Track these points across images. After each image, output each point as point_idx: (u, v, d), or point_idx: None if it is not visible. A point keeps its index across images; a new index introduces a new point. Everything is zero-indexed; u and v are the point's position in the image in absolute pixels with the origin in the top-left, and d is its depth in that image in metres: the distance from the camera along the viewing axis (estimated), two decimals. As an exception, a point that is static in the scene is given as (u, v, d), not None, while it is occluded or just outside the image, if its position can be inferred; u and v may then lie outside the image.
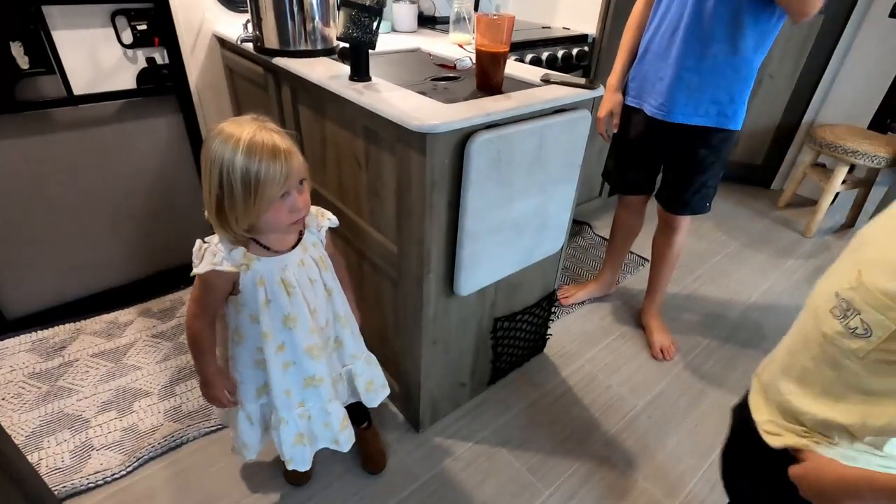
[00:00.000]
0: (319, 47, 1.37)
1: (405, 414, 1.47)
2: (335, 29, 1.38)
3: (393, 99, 1.03)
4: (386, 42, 1.64)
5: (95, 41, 1.49)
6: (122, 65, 1.57)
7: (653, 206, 1.71)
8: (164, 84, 1.65)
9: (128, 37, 1.54)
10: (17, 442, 1.32)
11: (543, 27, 2.16)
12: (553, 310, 1.65)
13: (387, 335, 1.37)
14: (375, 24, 1.02)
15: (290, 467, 1.08)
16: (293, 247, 0.94)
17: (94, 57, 1.51)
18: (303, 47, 1.35)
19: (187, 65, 1.67)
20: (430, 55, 1.53)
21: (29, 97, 1.45)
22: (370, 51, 1.08)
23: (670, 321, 1.90)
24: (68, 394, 1.48)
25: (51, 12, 1.39)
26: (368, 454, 1.33)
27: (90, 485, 1.24)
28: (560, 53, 1.94)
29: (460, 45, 1.60)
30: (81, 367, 1.57)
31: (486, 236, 1.13)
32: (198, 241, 0.89)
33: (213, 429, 1.39)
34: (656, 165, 1.64)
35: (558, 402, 1.56)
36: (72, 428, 1.38)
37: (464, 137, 0.98)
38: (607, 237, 1.98)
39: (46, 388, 1.49)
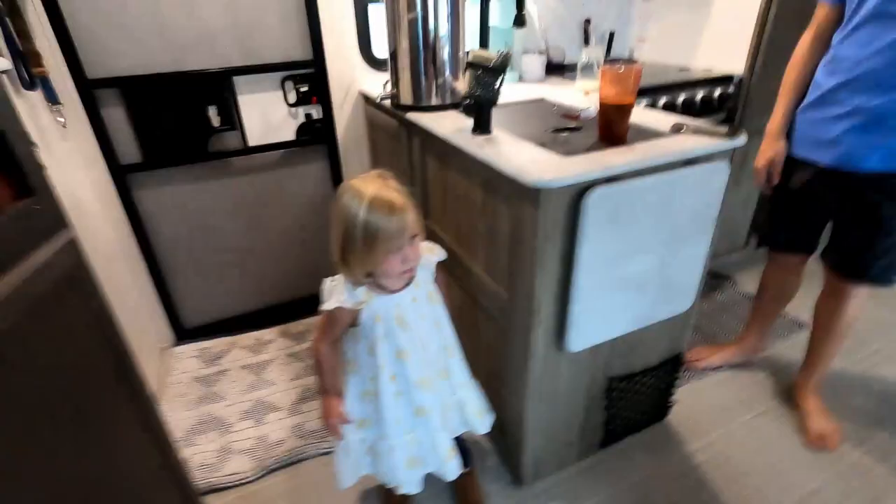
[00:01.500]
0: (448, 101, 1.46)
1: (508, 465, 1.43)
2: (462, 83, 1.46)
3: (510, 153, 1.05)
4: (512, 92, 1.69)
5: (268, 102, 1.79)
6: (286, 120, 1.84)
7: (814, 264, 1.47)
8: (317, 136, 1.90)
9: (292, 97, 1.81)
10: (177, 436, 1.57)
11: (681, 69, 2.05)
12: (681, 373, 1.49)
13: (493, 382, 1.36)
14: (498, 83, 1.06)
15: (400, 491, 1.12)
16: (406, 285, 1.01)
17: (266, 115, 1.80)
18: (433, 102, 1.46)
19: (336, 119, 1.90)
20: (554, 105, 1.54)
21: (217, 149, 1.78)
22: (493, 106, 1.13)
23: (834, 403, 1.58)
24: (219, 399, 1.72)
25: (238, 81, 1.71)
26: (467, 502, 1.31)
27: (226, 484, 1.41)
28: (699, 96, 1.82)
29: (587, 93, 1.59)
30: (231, 377, 1.82)
31: (600, 293, 1.07)
32: (326, 281, 0.99)
33: (329, 450, 1.50)
34: (823, 222, 1.41)
35: (680, 482, 1.38)
36: (218, 430, 1.59)
37: (579, 192, 0.96)
38: (753, 294, 1.75)
39: (204, 391, 1.75)
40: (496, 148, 1.09)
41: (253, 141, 1.82)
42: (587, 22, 2.18)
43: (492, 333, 1.31)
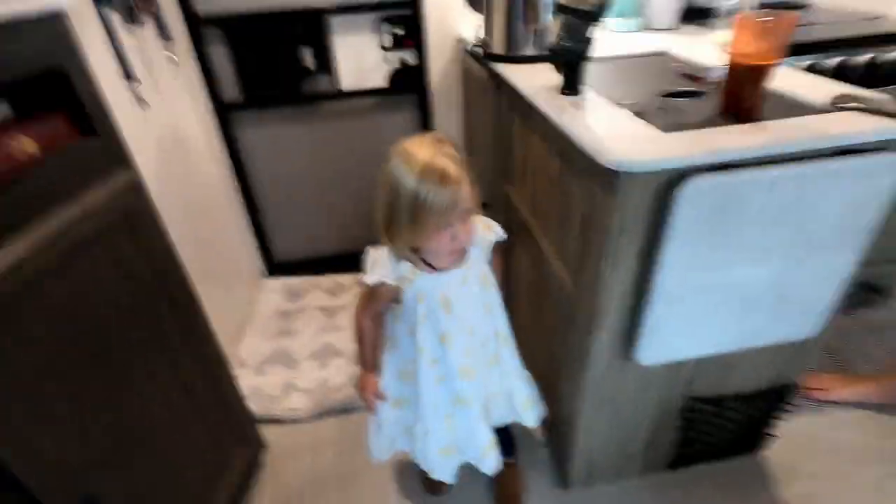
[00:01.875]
0: (547, 53, 1.26)
1: (556, 464, 1.32)
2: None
3: (595, 121, 0.86)
4: (630, 42, 1.42)
5: (362, 45, 1.72)
6: (379, 65, 1.77)
7: None
8: (409, 83, 1.80)
9: (387, 40, 1.72)
10: (251, 364, 1.69)
11: (870, 18, 1.56)
12: (789, 404, 1.22)
13: (550, 372, 1.23)
14: (590, 32, 0.86)
15: (433, 476, 1.08)
16: (457, 264, 0.92)
17: (360, 58, 1.74)
18: (528, 52, 1.27)
19: (431, 67, 1.78)
20: (677, 62, 1.26)
21: (311, 91, 1.77)
22: (584, 61, 0.93)
23: None
24: (293, 335, 1.81)
25: (334, 21, 1.65)
26: (504, 496, 1.24)
27: (282, 417, 1.50)
28: (890, 58, 1.37)
29: (725, 47, 1.27)
30: (308, 316, 1.90)
31: (686, 302, 0.87)
32: (370, 250, 0.93)
33: (380, 405, 1.51)
34: None
35: (762, 530, 1.17)
36: (287, 365, 1.68)
37: (674, 179, 0.75)
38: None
39: (283, 325, 1.86)
40: (580, 113, 0.90)
41: (345, 85, 1.78)
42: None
43: (556, 320, 1.17)
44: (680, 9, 1.58)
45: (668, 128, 0.82)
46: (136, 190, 0.88)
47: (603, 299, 0.89)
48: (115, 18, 1.23)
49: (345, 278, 2.09)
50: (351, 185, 2.01)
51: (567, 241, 1.02)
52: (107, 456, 0.77)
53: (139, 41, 1.36)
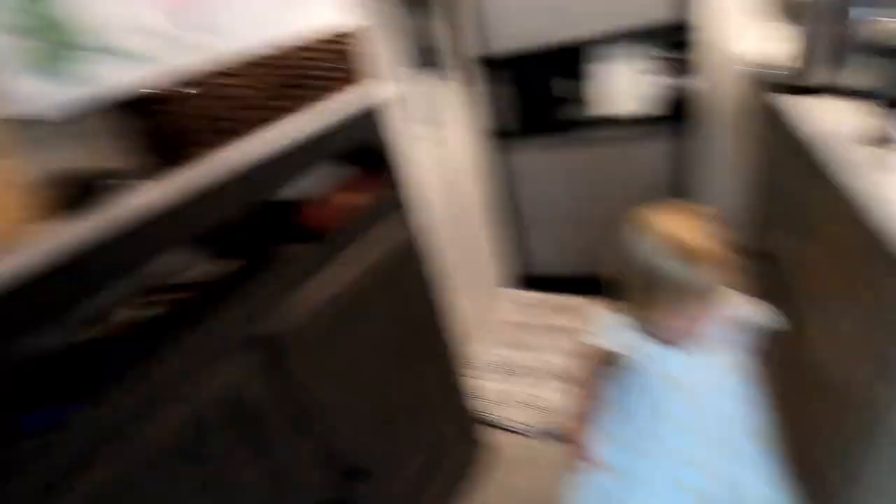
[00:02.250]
0: (856, 85, 1.00)
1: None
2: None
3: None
4: None
5: (625, 71, 1.67)
6: (641, 92, 1.69)
7: None
8: (674, 110, 1.67)
9: (652, 66, 1.63)
10: (478, 367, 1.88)
11: None
12: None
13: (818, 467, 1.01)
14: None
15: None
16: (699, 344, 0.81)
17: (621, 85, 1.70)
18: (835, 82, 1.03)
19: (705, 94, 1.61)
20: None
21: (570, 119, 1.82)
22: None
23: None
24: (525, 349, 1.93)
25: (599, 50, 1.66)
26: None
27: (506, 426, 1.63)
28: None
29: None
30: (542, 332, 1.99)
31: None
32: (596, 308, 0.90)
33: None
34: None
35: None
36: (510, 375, 1.82)
37: None
38: None
39: (517, 336, 2.00)
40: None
41: (605, 112, 1.77)
42: None
43: (835, 421, 0.95)
44: None
45: None
46: (417, 230, 1.10)
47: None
48: (415, 70, 1.52)
49: (578, 302, 2.11)
50: (601, 211, 1.99)
51: (860, 327, 0.81)
52: (372, 435, 1.01)
53: (434, 86, 1.64)
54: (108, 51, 0.65)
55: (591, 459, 0.99)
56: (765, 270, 1.25)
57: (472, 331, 2.06)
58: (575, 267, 2.17)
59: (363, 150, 0.98)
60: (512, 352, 1.93)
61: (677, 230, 0.71)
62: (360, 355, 0.97)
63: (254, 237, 0.84)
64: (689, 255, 0.69)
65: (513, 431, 1.61)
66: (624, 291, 0.79)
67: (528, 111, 1.86)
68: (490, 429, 1.63)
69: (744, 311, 0.82)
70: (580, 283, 2.14)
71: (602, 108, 1.76)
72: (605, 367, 0.91)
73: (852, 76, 1.00)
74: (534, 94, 1.82)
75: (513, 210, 2.13)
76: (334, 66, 0.87)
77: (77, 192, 0.59)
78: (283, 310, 0.79)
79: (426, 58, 1.56)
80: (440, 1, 1.61)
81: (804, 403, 1.05)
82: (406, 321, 1.11)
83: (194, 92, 0.66)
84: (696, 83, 1.60)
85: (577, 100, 1.77)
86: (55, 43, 0.61)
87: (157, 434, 0.62)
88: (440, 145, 1.72)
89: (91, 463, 0.57)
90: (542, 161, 1.96)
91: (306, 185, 0.91)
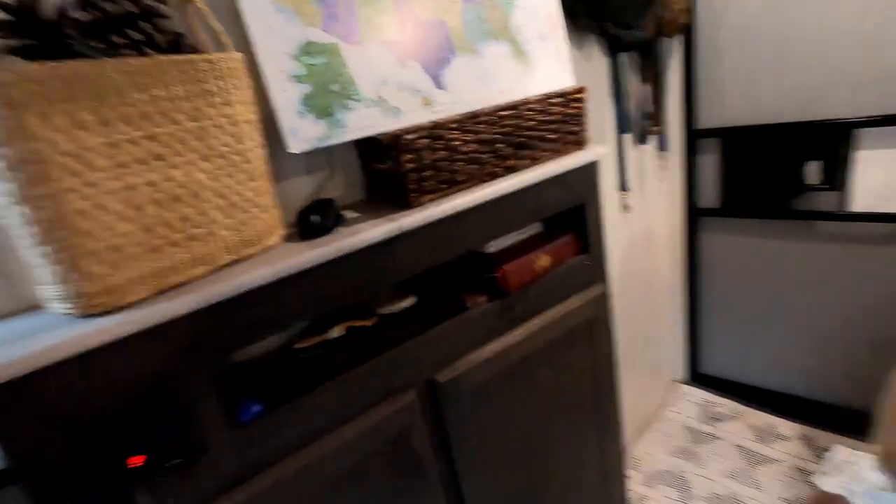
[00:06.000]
0: None
1: None
2: None
3: None
4: None
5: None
6: (922, 187, 1.34)
7: None
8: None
9: (948, 157, 1.28)
10: (644, 472, 1.63)
11: None
12: None
13: None
14: None
15: None
16: None
17: (890, 176, 1.37)
18: None
19: None
20: None
21: (807, 208, 1.53)
22: None
23: None
24: (697, 462, 1.63)
25: (863, 133, 1.37)
26: None
27: (658, 551, 1.37)
28: None
29: None
30: (720, 448, 1.66)
31: None
32: (839, 448, 0.73)
33: None
34: None
35: None
36: (681, 492, 1.53)
37: None
38: None
39: (688, 445, 1.71)
40: None
41: (860, 206, 1.44)
42: None
43: None
44: None
45: None
46: (605, 301, 1.01)
47: None
48: (628, 141, 1.45)
49: (785, 425, 1.70)
50: (833, 321, 1.61)
51: None
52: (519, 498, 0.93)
53: (639, 155, 1.55)
54: (372, 103, 0.74)
55: None
56: None
57: (642, 425, 1.82)
58: (782, 381, 1.78)
59: (572, 214, 0.94)
60: (688, 464, 1.63)
61: None
62: (518, 425, 0.90)
63: (450, 284, 0.86)
64: None
65: (673, 564, 1.34)
66: (883, 432, 0.62)
67: (750, 191, 1.62)
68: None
69: None
70: (785, 402, 1.75)
71: (864, 201, 1.44)
72: None
73: None
74: (759, 173, 1.58)
75: (703, 295, 1.85)
76: (558, 126, 0.86)
77: (319, 220, 0.66)
78: (458, 360, 0.78)
79: (636, 123, 1.49)
80: (664, 67, 1.53)
81: None
82: (573, 400, 1.01)
83: (425, 142, 0.71)
84: None
85: (820, 187, 1.47)
86: (337, 94, 0.72)
87: (321, 453, 0.65)
88: (639, 215, 1.59)
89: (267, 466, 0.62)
90: (760, 251, 1.67)
91: (511, 240, 0.91)
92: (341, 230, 0.68)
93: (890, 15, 1.25)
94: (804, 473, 1.51)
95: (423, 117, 0.77)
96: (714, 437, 1.72)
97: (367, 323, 0.77)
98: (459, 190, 0.76)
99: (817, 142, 1.44)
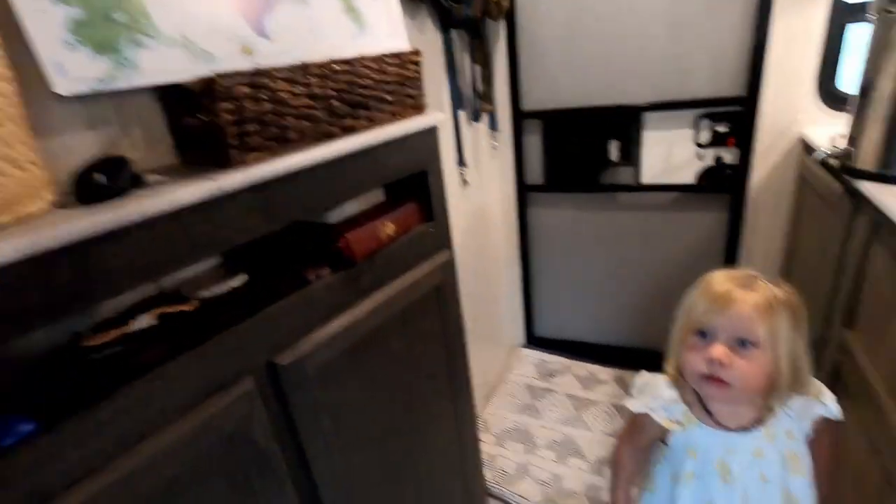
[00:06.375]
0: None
1: None
2: None
3: None
4: None
5: (674, 140, 1.64)
6: (689, 161, 1.65)
7: None
8: (723, 183, 1.62)
9: (705, 137, 1.59)
10: (494, 432, 1.74)
11: None
12: None
13: None
14: None
15: None
16: (750, 428, 0.75)
17: (668, 153, 1.66)
18: (918, 170, 0.97)
19: (754, 167, 1.56)
20: None
21: (610, 182, 1.78)
22: None
23: None
24: (537, 415, 1.79)
25: (648, 116, 1.63)
26: None
27: (511, 500, 1.47)
28: None
29: None
30: (555, 400, 1.86)
31: None
32: (643, 373, 0.84)
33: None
34: None
35: None
36: (525, 445, 1.67)
37: None
38: None
39: (529, 401, 1.87)
40: None
41: (648, 179, 1.72)
42: None
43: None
44: None
45: None
46: (451, 267, 1.02)
47: None
48: (463, 118, 1.50)
49: (602, 371, 1.97)
50: (636, 279, 1.90)
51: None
52: (370, 472, 0.89)
53: (473, 133, 1.62)
54: (175, 42, 0.61)
55: None
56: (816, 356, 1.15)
57: (489, 390, 1.94)
58: (600, 334, 2.06)
59: (415, 181, 0.92)
60: (530, 419, 1.78)
61: (726, 281, 0.71)
62: (372, 401, 0.86)
63: (288, 258, 0.77)
64: (720, 293, 0.69)
65: (523, 511, 1.45)
66: (671, 354, 0.78)
67: (567, 168, 1.82)
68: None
69: (812, 395, 0.75)
70: (603, 352, 2.03)
71: (651, 174, 1.71)
72: (648, 439, 0.86)
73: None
74: (574, 152, 1.78)
75: (534, 265, 2.05)
76: (396, 88, 0.83)
77: (105, 180, 0.52)
78: (302, 339, 0.71)
79: (469, 101, 1.55)
80: (492, 49, 1.62)
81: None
82: (428, 370, 1.01)
83: (247, 91, 0.62)
84: (751, 158, 1.55)
85: (619, 163, 1.72)
86: (124, 25, 0.57)
87: (132, 467, 0.52)
88: (475, 191, 1.67)
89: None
90: (577, 222, 1.90)
91: (353, 209, 0.85)
92: (138, 193, 0.55)
93: (677, 11, 1.50)
94: (620, 409, 1.77)
95: (242, 66, 0.66)
96: (550, 391, 1.91)
97: (186, 308, 0.65)
98: (292, 150, 0.68)
99: (617, 124, 1.68)
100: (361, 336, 0.80)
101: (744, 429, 0.75)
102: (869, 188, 1.00)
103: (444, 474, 1.14)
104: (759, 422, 0.75)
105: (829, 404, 0.75)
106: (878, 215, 0.97)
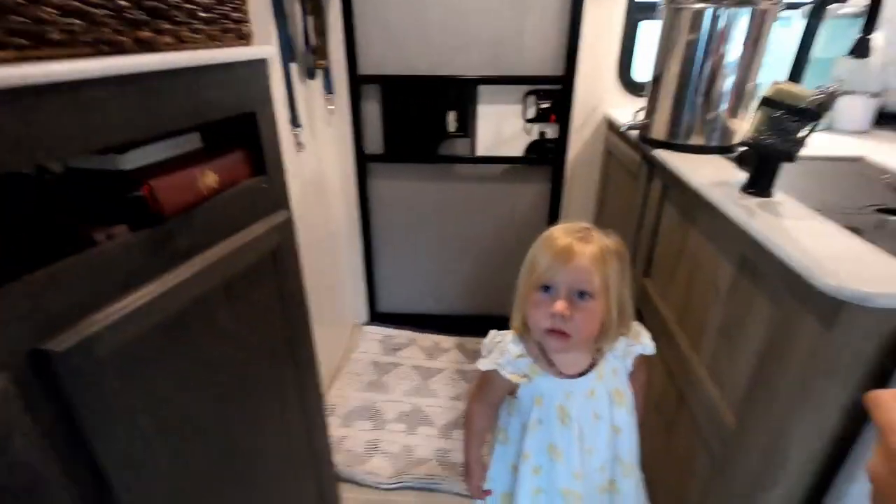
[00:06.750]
0: (714, 143, 1.15)
1: None
2: (742, 122, 1.14)
3: (799, 231, 0.73)
4: (814, 143, 1.26)
5: (505, 114, 1.73)
6: (518, 135, 1.76)
7: None
8: (546, 156, 1.77)
9: (531, 113, 1.71)
10: (340, 414, 1.65)
11: None
12: None
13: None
14: (805, 132, 0.74)
15: None
16: (585, 372, 0.82)
17: (499, 127, 1.75)
18: (693, 141, 1.17)
19: (571, 142, 1.74)
20: (883, 172, 1.08)
21: (447, 153, 1.80)
22: (786, 162, 0.81)
23: None
24: (384, 390, 1.76)
25: (482, 90, 1.69)
26: None
27: (361, 481, 1.41)
28: None
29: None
30: (401, 373, 1.84)
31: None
32: (492, 332, 0.86)
33: (465, 492, 1.37)
34: None
35: None
36: (374, 421, 1.62)
37: (917, 322, 0.59)
38: None
39: (375, 377, 1.82)
40: (776, 220, 0.77)
41: (482, 151, 1.79)
42: (962, 60, 1.52)
43: (695, 455, 0.98)
44: (874, 111, 1.39)
45: (901, 254, 0.66)
46: (290, 228, 0.90)
47: (784, 452, 0.71)
48: (295, 72, 1.34)
49: (446, 341, 2.02)
50: (472, 249, 1.98)
51: (730, 366, 0.86)
52: (203, 483, 0.73)
53: (308, 92, 1.47)
54: None
55: (483, 492, 0.95)
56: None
57: (333, 371, 1.83)
58: (442, 305, 2.11)
59: (242, 127, 0.77)
60: (377, 395, 1.74)
61: (566, 233, 0.75)
62: (197, 389, 0.71)
63: (65, 212, 0.57)
64: (561, 247, 0.72)
65: (371, 486, 1.40)
66: (516, 310, 0.81)
67: (406, 137, 1.79)
68: (351, 485, 1.40)
69: (632, 336, 0.84)
70: (446, 322, 2.08)
71: (484, 146, 1.78)
72: (499, 394, 0.89)
73: (706, 137, 1.14)
74: (413, 121, 1.76)
75: (375, 238, 2.00)
76: (211, 4, 0.67)
77: None
78: (89, 316, 0.53)
79: (305, 56, 1.40)
80: (327, 2, 1.48)
81: (679, 437, 1.09)
82: (266, 348, 0.88)
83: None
84: (568, 133, 1.72)
85: (456, 134, 1.76)
86: None
87: None
88: (311, 157, 1.53)
89: None
90: (417, 193, 1.89)
91: (160, 155, 0.67)
92: None
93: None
94: (463, 374, 1.83)
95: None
96: (396, 364, 1.89)
97: None
98: (58, 55, 0.49)
99: (454, 95, 1.70)
100: (178, 310, 0.64)
101: (581, 374, 0.82)
102: (661, 154, 1.17)
103: (291, 466, 1.02)
104: (593, 366, 0.82)
105: (646, 343, 0.85)
106: (668, 178, 1.15)
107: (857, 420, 0.66)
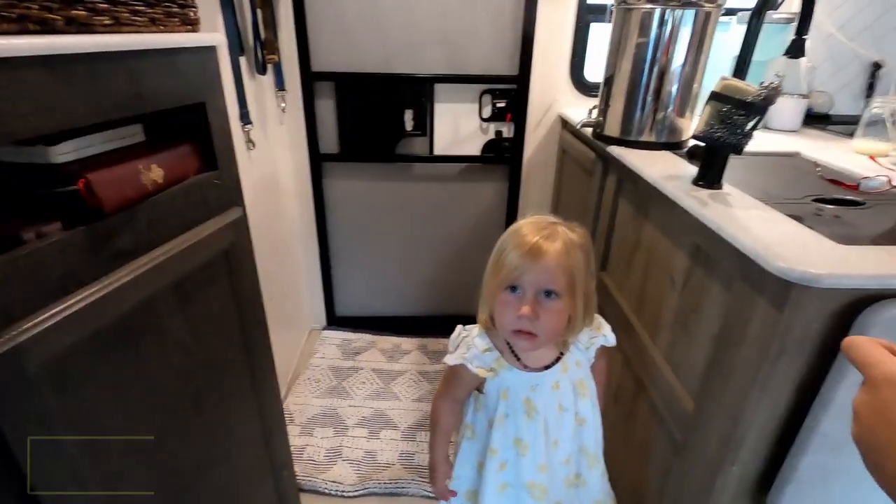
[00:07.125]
0: (664, 140, 1.20)
1: None
2: (689, 121, 1.19)
3: (749, 220, 0.76)
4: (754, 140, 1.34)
5: (462, 113, 1.73)
6: (475, 134, 1.77)
7: None
8: (502, 155, 1.78)
9: (487, 112, 1.72)
10: (299, 422, 1.59)
11: None
12: None
13: (644, 498, 1.05)
14: (751, 125, 0.78)
15: None
16: (551, 365, 0.82)
17: (456, 126, 1.75)
18: (644, 138, 1.21)
19: (527, 141, 1.76)
20: (816, 165, 1.15)
21: (405, 152, 1.78)
22: (734, 154, 0.84)
23: None
24: (345, 396, 1.71)
25: (439, 88, 1.68)
26: None
27: (323, 490, 1.36)
28: None
29: (872, 158, 1.16)
30: (362, 377, 1.80)
31: (852, 453, 0.71)
32: (458, 328, 0.85)
33: (431, 494, 1.35)
34: None
35: None
36: (335, 428, 1.57)
37: (861, 301, 0.63)
38: None
39: (335, 383, 1.77)
40: (726, 209, 0.80)
41: (439, 150, 1.78)
42: (876, 66, 1.66)
43: (655, 441, 1.01)
44: (803, 111, 1.49)
45: (839, 238, 0.70)
46: (244, 226, 0.85)
47: (740, 431, 0.74)
48: (245, 66, 1.29)
49: (407, 342, 2.00)
50: (430, 249, 1.96)
51: (687, 351, 0.89)
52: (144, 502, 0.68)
53: (258, 88, 1.42)
54: None
55: (448, 492, 0.94)
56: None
57: (291, 377, 1.77)
58: (401, 307, 2.08)
59: (190, 118, 0.72)
60: (338, 400, 1.68)
61: (533, 228, 0.74)
62: (144, 402, 0.66)
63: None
64: (529, 244, 0.72)
65: (335, 495, 1.36)
66: (483, 304, 0.80)
67: (362, 136, 1.75)
68: (314, 495, 1.35)
69: (594, 329, 0.86)
70: (405, 323, 2.06)
71: (442, 145, 1.77)
72: (466, 389, 0.88)
73: (661, 131, 1.19)
74: (369, 119, 1.72)
75: (332, 240, 1.95)
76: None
77: None
78: (16, 323, 0.48)
79: (251, 50, 1.34)
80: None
81: (639, 423, 1.11)
82: (220, 355, 0.83)
83: None
84: (524, 132, 1.74)
85: (413, 133, 1.74)
86: None
87: None
88: (263, 156, 1.47)
89: None
90: (373, 193, 1.86)
91: (94, 144, 0.61)
92: None
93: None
94: (425, 375, 1.81)
95: None
96: (356, 369, 1.84)
97: None
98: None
99: (411, 93, 1.68)
100: (120, 315, 0.59)
101: (546, 367, 0.82)
102: (615, 150, 1.21)
103: (248, 480, 0.96)
104: (558, 359, 0.83)
105: (608, 335, 0.87)
106: (623, 173, 1.18)
107: (806, 396, 0.70)
